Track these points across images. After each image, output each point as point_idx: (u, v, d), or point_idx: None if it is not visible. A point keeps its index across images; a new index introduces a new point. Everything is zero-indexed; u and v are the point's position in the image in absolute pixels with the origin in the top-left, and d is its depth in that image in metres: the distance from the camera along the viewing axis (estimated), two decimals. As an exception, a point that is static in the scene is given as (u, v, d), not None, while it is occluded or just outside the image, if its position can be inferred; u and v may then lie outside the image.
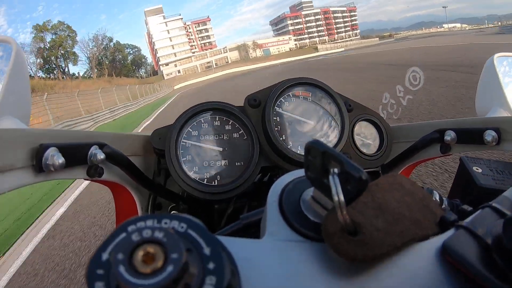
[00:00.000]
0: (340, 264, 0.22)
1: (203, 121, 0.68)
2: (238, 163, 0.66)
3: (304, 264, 0.23)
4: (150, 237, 0.17)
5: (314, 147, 0.24)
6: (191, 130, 0.67)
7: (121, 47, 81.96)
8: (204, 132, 0.67)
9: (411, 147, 0.70)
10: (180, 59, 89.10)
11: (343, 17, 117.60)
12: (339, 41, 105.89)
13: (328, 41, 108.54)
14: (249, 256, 0.22)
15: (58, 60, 64.04)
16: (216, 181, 0.64)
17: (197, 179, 0.63)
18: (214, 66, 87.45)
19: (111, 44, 77.80)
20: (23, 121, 0.58)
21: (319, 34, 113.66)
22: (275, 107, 0.70)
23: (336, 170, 0.22)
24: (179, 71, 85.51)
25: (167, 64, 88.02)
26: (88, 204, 3.98)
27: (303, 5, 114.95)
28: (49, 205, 4.27)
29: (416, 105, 5.06)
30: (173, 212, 0.72)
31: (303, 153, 0.25)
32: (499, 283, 0.20)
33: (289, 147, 0.67)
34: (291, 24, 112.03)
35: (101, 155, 0.49)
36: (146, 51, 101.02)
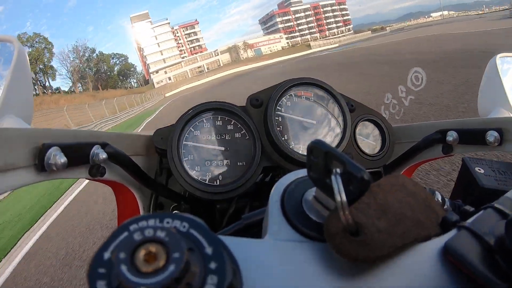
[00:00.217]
0: (342, 264, 0.22)
1: (205, 121, 0.68)
2: (240, 163, 0.66)
3: (306, 264, 0.23)
4: (152, 237, 0.17)
5: (316, 147, 0.24)
6: (193, 130, 0.67)
7: (106, 58, 76.83)
8: (206, 132, 0.67)
9: (413, 148, 0.69)
10: (169, 65, 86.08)
11: (333, 10, 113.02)
12: (331, 37, 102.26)
13: (320, 38, 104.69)
14: (250, 256, 0.22)
15: (37, 75, 58.89)
16: (218, 181, 0.64)
17: (198, 179, 0.63)
18: (206, 70, 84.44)
19: (94, 55, 72.71)
20: (26, 120, 0.58)
21: (310, 31, 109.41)
22: (277, 107, 0.70)
23: (338, 170, 0.22)
24: (169, 78, 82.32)
25: (157, 72, 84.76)
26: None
27: (291, 0, 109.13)
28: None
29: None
30: (175, 211, 0.72)
31: (305, 153, 0.25)
32: (501, 284, 0.20)
33: (291, 147, 0.67)
34: (281, 22, 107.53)
35: (103, 155, 0.49)
36: (135, 59, 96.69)
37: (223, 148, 0.67)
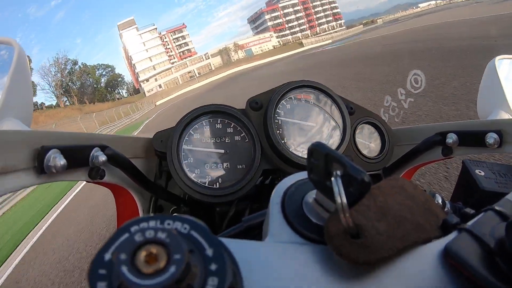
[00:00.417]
0: (342, 266, 0.22)
1: (204, 124, 0.68)
2: (240, 165, 0.66)
3: (306, 266, 0.23)
4: (153, 238, 0.17)
5: (317, 149, 0.24)
6: (192, 133, 0.67)
7: (90, 70, 71.21)
8: (205, 135, 0.67)
9: (412, 150, 0.70)
10: (159, 72, 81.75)
11: (322, 4, 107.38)
12: (322, 34, 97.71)
13: (311, 35, 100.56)
14: (251, 257, 0.22)
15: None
16: (217, 183, 0.64)
17: (198, 182, 0.63)
18: (197, 75, 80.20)
19: (76, 67, 66.52)
20: (25, 122, 0.58)
21: (301, 28, 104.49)
22: (277, 110, 0.70)
23: (338, 172, 0.22)
24: (160, 86, 78.33)
25: (147, 80, 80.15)
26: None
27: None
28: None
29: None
30: (174, 214, 0.72)
31: (305, 156, 0.25)
32: (501, 286, 0.20)
33: (290, 150, 0.67)
34: (270, 19, 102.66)
35: (102, 157, 0.49)
36: (124, 69, 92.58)
37: (222, 151, 0.67)
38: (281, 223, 0.26)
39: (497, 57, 0.71)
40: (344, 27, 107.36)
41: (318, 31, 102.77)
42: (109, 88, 78.13)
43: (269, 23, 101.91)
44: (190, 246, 0.18)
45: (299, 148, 0.69)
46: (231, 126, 0.69)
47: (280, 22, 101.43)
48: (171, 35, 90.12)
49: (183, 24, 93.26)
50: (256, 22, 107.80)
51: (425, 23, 23.25)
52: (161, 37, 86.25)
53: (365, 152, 0.76)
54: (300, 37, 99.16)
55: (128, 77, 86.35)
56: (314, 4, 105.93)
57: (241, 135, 0.68)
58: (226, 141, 0.68)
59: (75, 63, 67.21)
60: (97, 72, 74.64)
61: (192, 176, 0.63)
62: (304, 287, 0.21)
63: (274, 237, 0.25)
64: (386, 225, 0.23)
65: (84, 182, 0.53)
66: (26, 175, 0.40)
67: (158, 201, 0.72)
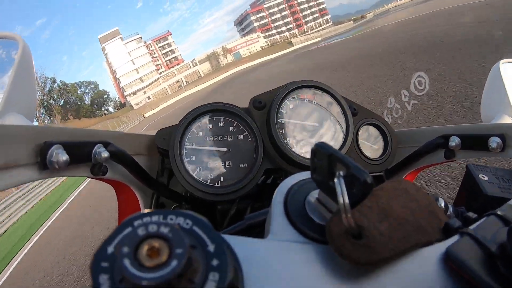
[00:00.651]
0: (343, 267, 0.22)
1: (207, 122, 0.68)
2: (242, 164, 0.66)
3: (307, 266, 0.23)
4: (156, 232, 0.17)
5: (321, 149, 0.24)
6: (195, 131, 0.67)
7: (71, 88, 68.65)
8: (208, 133, 0.67)
9: (415, 152, 0.69)
10: (147, 85, 77.35)
11: (308, 1, 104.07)
12: (310, 32, 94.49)
13: (299, 34, 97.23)
14: (252, 254, 0.22)
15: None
16: (219, 182, 0.64)
17: (200, 180, 0.63)
18: (184, 84, 75.84)
19: (55, 85, 64.24)
20: (28, 118, 0.58)
21: (288, 27, 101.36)
22: (280, 110, 0.70)
23: (341, 172, 0.22)
24: (149, 97, 74.64)
25: (134, 93, 76.01)
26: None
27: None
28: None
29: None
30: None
31: (307, 156, 0.25)
32: None
33: (293, 149, 0.67)
34: (256, 20, 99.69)
35: (105, 154, 0.49)
36: (109, 84, 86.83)
37: (225, 150, 0.67)
38: (283, 222, 0.26)
39: (502, 61, 0.70)
40: (331, 23, 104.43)
41: (305, 29, 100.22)
42: (95, 106, 75.87)
43: (256, 24, 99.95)
44: (192, 241, 0.18)
45: (301, 148, 0.69)
46: (234, 124, 0.69)
47: (266, 22, 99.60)
48: (157, 44, 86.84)
49: (168, 31, 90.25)
50: (243, 23, 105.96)
51: (427, 10, 20.24)
52: (147, 46, 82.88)
53: (367, 153, 0.76)
54: (288, 36, 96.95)
55: (114, 94, 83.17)
56: (299, 1, 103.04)
57: (244, 134, 0.68)
58: (229, 139, 0.68)
59: (54, 81, 65.48)
60: (79, 90, 72.30)
61: (194, 174, 0.64)
62: (304, 286, 0.21)
63: (276, 235, 0.25)
64: (388, 226, 0.23)
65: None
66: (28, 170, 0.40)
67: (160, 198, 0.72)
